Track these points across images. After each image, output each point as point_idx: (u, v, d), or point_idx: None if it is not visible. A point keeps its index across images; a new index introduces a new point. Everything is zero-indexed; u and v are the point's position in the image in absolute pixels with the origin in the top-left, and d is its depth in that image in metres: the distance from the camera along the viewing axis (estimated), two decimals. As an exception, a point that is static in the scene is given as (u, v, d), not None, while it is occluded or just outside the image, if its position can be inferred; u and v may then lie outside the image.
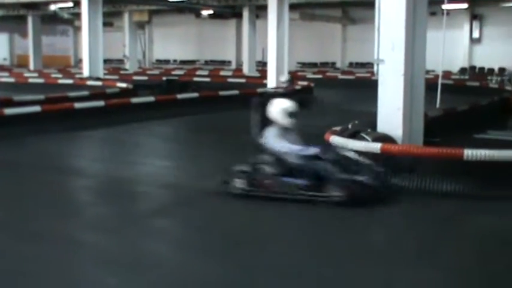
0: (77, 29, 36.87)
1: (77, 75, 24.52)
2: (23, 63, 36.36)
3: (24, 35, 35.28)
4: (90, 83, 20.79)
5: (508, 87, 20.65)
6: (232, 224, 6.29)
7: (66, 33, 42.60)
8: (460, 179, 7.34)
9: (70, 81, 22.36)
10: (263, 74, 23.34)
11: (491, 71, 28.30)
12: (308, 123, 14.38)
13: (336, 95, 22.82)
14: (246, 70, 28.50)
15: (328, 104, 19.89)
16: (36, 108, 12.62)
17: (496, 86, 22.37)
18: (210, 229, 6.10)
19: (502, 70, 27.80)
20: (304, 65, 34.30)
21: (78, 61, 37.45)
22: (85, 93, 16.41)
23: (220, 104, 16.75)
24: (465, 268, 4.99)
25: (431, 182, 7.39)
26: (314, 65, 34.47)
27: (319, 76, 28.28)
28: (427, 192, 7.33)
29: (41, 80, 23.79)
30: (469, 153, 7.27)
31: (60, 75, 26.59)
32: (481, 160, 7.24)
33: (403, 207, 7.10)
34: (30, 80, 24.07)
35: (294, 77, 20.88)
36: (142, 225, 6.23)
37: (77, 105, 13.51)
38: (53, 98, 14.94)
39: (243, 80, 24.79)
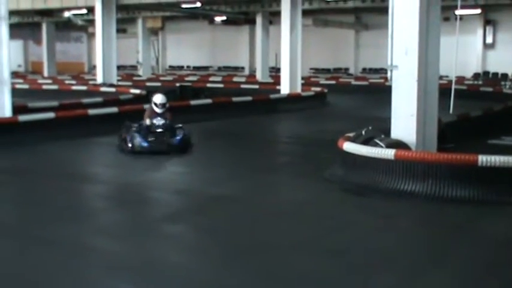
0: (91, 36, 37.17)
1: (91, 82, 24.65)
2: (37, 69, 36.66)
3: (38, 41, 35.60)
4: (103, 89, 20.89)
5: (522, 93, 20.53)
6: (246, 228, 6.28)
7: (80, 40, 42.88)
8: (475, 185, 7.30)
9: (84, 87, 22.48)
10: (276, 80, 23.34)
11: (505, 76, 28.13)
12: (322, 129, 14.44)
13: (350, 100, 22.79)
14: (259, 76, 28.51)
15: (342, 110, 19.88)
16: (50, 115, 12.68)
17: (510, 91, 22.25)
18: (221, 234, 6.10)
19: (515, 75, 27.59)
20: (317, 70, 34.29)
21: (92, 67, 37.65)
22: (99, 99, 16.49)
23: (234, 110, 16.77)
24: (477, 276, 4.95)
25: (445, 188, 7.35)
26: (327, 70, 34.44)
27: (333, 82, 28.25)
28: (441, 198, 7.30)
29: (54, 87, 23.93)
30: (483, 159, 7.23)
31: (74, 82, 26.76)
32: (496, 166, 7.20)
33: (414, 212, 7.08)
34: (44, 87, 24.22)
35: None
36: (155, 231, 6.24)
37: (91, 111, 13.57)
38: (67, 105, 15.04)
39: (256, 86, 24.81)
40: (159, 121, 10.88)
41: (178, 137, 10.79)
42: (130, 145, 10.54)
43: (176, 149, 10.60)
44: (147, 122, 10.82)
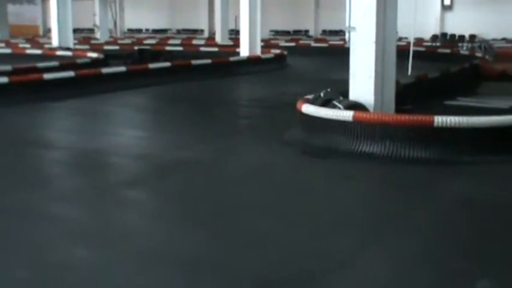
0: (45, -2, 36.30)
1: (46, 45, 24.13)
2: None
3: (-11, 3, 34.59)
4: (59, 53, 20.49)
5: (478, 54, 20.81)
6: (207, 192, 6.28)
7: (34, 2, 41.85)
8: (431, 145, 7.41)
9: (39, 51, 22.00)
10: (236, 43, 23.20)
11: (462, 38, 28.46)
12: (281, 91, 14.44)
13: (309, 62, 22.83)
14: (218, 39, 28.28)
15: (302, 72, 19.90)
16: (4, 80, 12.37)
17: (467, 52, 22.53)
18: (183, 198, 6.09)
19: (472, 37, 27.95)
20: (277, 33, 34.18)
21: (47, 31, 36.85)
22: (55, 63, 16.17)
23: (193, 73, 16.65)
24: (433, 234, 5.05)
25: (403, 149, 7.45)
26: (287, 33, 34.36)
27: (293, 44, 28.20)
28: (399, 159, 7.40)
29: (8, 50, 23.38)
30: (439, 120, 7.33)
31: (28, 45, 26.16)
32: (451, 126, 7.31)
33: (373, 174, 7.17)
34: (-3, 51, 23.67)
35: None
36: (115, 197, 6.19)
37: (46, 76, 13.29)
38: (21, 69, 14.70)
39: (215, 49, 24.62)
40: None
41: None
42: None
43: None
44: None
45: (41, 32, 41.21)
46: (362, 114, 7.83)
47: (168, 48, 25.59)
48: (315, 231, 5.13)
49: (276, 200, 6.06)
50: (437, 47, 25.50)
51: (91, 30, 34.15)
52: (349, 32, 8.87)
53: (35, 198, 6.06)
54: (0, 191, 6.33)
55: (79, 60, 17.48)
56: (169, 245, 4.80)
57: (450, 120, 7.32)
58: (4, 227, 5.21)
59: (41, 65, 15.62)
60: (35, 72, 14.00)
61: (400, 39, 10.27)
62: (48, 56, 19.90)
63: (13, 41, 29.62)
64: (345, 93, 8.91)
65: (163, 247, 4.75)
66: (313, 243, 4.83)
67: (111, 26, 36.24)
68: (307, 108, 8.36)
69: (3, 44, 26.80)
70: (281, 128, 9.23)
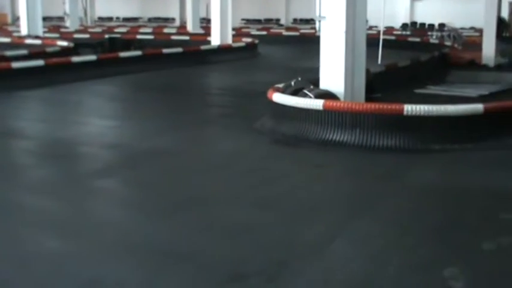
0: (14, -15, 35.73)
1: (15, 34, 23.79)
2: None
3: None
4: (28, 41, 20.23)
5: (447, 43, 21.03)
6: (178, 182, 6.28)
7: (2, -10, 41.18)
8: (401, 134, 7.49)
9: (7, 39, 21.67)
10: (207, 31, 23.12)
11: (431, 26, 28.72)
12: (252, 80, 14.46)
13: (281, 51, 22.86)
14: (190, 27, 28.14)
15: (273, 61, 19.92)
16: (-29, 68, 12.22)
17: (436, 41, 22.76)
18: (154, 188, 6.08)
19: (442, 26, 28.21)
20: (248, 21, 34.14)
21: (16, 19, 36.29)
22: (23, 52, 15.96)
23: (164, 62, 16.60)
24: (402, 222, 5.12)
25: (373, 137, 7.52)
26: (258, 21, 34.34)
27: (264, 33, 28.21)
28: (369, 147, 7.47)
29: (-24, 39, 22.99)
30: (409, 108, 7.42)
31: (-4, 34, 25.77)
32: (421, 115, 7.40)
33: (343, 162, 7.23)
34: (-36, 39, 23.25)
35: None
36: (84, 187, 6.15)
37: (15, 64, 13.13)
38: (-11, 58, 14.49)
39: (187, 38, 24.52)
40: None
41: None
42: None
43: None
44: None
45: (9, 20, 40.59)
46: (332, 103, 7.88)
47: (139, 36, 25.41)
48: (286, 220, 5.16)
49: (247, 189, 6.08)
50: (407, 36, 25.70)
51: (61, 19, 33.72)
52: (319, 22, 8.90)
53: (4, 189, 6.01)
54: (-32, 181, 6.25)
55: (48, 49, 17.27)
56: (139, 235, 4.79)
57: (420, 108, 7.41)
58: (-28, 218, 5.16)
59: (9, 53, 15.41)
60: (3, 61, 13.80)
61: (370, 28, 10.33)
62: (17, 44, 19.63)
63: (-20, 29, 29.18)
64: (316, 82, 8.95)
65: (134, 237, 4.73)
66: (284, 232, 4.86)
67: (81, 14, 35.83)
68: (278, 97, 8.39)
69: (-30, 32, 26.39)
70: (252, 116, 9.25)
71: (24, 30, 21.80)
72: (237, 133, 8.61)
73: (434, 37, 25.04)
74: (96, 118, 10.05)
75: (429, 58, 15.30)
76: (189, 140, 8.35)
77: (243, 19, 33.59)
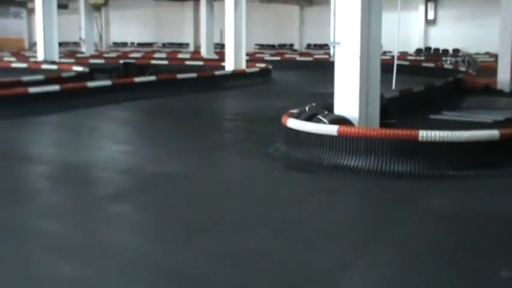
0: (31, 11, 36.21)
1: (32, 59, 24.05)
2: (-26, 46, 35.53)
3: (-26, 17, 34.47)
4: (45, 66, 20.43)
5: (462, 68, 21.00)
6: (191, 207, 6.27)
7: (20, 15, 41.72)
8: (416, 160, 7.44)
9: (24, 65, 21.93)
10: (221, 57, 23.25)
11: (445, 52, 28.72)
12: (266, 105, 14.48)
13: (294, 76, 22.92)
14: (204, 52, 28.33)
15: (287, 86, 19.96)
16: (-11, 93, 12.33)
17: (450, 66, 22.73)
18: (166, 213, 6.07)
19: (456, 51, 28.21)
20: (262, 46, 34.31)
21: (33, 44, 36.74)
22: (40, 77, 16.11)
23: (178, 87, 16.66)
24: (416, 248, 5.07)
25: (387, 163, 7.48)
26: (272, 46, 34.50)
27: (277, 58, 28.31)
28: (383, 173, 7.42)
29: (-7, 64, 23.27)
30: (423, 134, 7.38)
31: (13, 59, 26.06)
32: (436, 141, 7.36)
33: (357, 188, 7.19)
34: (-18, 64, 23.54)
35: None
36: (98, 211, 6.16)
37: (32, 89, 13.24)
38: (6, 83, 14.62)
39: (201, 63, 24.66)
40: None
41: None
42: None
43: None
44: None
45: (26, 46, 41.07)
46: (347, 129, 7.87)
47: (153, 61, 25.61)
48: (298, 245, 5.13)
49: (260, 214, 6.06)
50: (421, 61, 25.71)
51: (76, 44, 34.07)
52: (334, 47, 8.92)
53: (19, 213, 6.02)
54: (-17, 205, 6.27)
55: (64, 74, 17.43)
56: (151, 259, 4.78)
57: (435, 134, 7.37)
58: (-13, 242, 5.17)
59: (26, 78, 15.55)
60: (20, 86, 13.94)
61: (384, 53, 10.36)
62: (34, 69, 19.82)
63: (-2, 54, 29.52)
64: (330, 107, 8.95)
65: (147, 261, 4.72)
66: (297, 258, 4.83)
67: (96, 39, 36.21)
68: (292, 123, 8.39)
69: (-13, 58, 26.70)
70: (266, 142, 9.25)
71: (40, 56, 22.03)
72: (250, 158, 8.61)
73: (448, 62, 25.02)
74: (111, 143, 10.09)
75: (444, 83, 15.27)
76: (202, 165, 8.35)
77: (256, 44, 33.76)
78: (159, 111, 13.94)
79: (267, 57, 27.98)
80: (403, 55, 24.44)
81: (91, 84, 15.14)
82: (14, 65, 22.52)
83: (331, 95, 9.06)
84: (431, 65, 23.62)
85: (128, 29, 39.12)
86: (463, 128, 7.94)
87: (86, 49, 31.56)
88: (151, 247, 5.11)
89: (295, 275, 4.47)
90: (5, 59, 26.47)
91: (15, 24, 41.70)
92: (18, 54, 30.63)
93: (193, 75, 18.04)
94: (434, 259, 4.80)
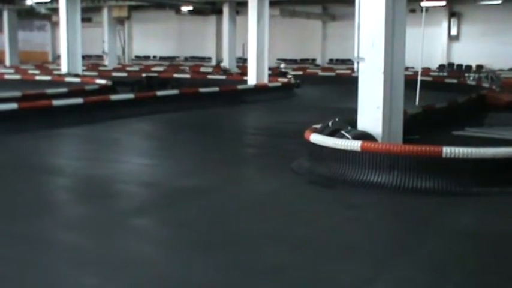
0: (55, 25, 36.75)
1: (55, 72, 24.31)
2: (-1, 59, 35.96)
3: (-1, 30, 34.91)
4: (68, 79, 20.63)
5: (485, 84, 20.85)
6: (213, 221, 6.26)
7: (44, 29, 42.27)
8: (439, 176, 7.38)
9: (48, 77, 22.15)
10: (243, 71, 23.32)
11: (469, 68, 28.55)
12: (288, 120, 14.47)
13: (316, 91, 22.89)
14: (226, 66, 28.41)
15: (309, 101, 19.94)
16: (13, 106, 12.44)
17: (473, 83, 22.57)
18: (189, 227, 6.07)
19: (479, 67, 28.03)
20: (284, 61, 34.33)
21: (56, 57, 37.14)
22: (63, 90, 16.27)
23: (201, 101, 16.71)
24: (440, 267, 5.01)
25: (411, 179, 7.43)
26: (294, 61, 34.52)
27: (300, 73, 28.31)
28: (406, 189, 7.37)
29: (17, 77, 23.52)
30: (447, 150, 7.32)
31: (37, 72, 26.35)
32: (459, 157, 7.30)
33: (380, 204, 7.14)
34: (7, 77, 23.77)
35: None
36: (122, 225, 6.17)
37: (55, 102, 13.37)
38: (30, 95, 14.79)
39: (223, 77, 24.73)
40: None
41: None
42: None
43: None
44: None
45: (50, 58, 41.53)
46: (370, 144, 7.83)
47: (175, 75, 25.76)
48: (322, 260, 5.10)
49: (283, 229, 6.04)
50: (445, 77, 25.56)
51: (99, 57, 34.37)
52: (358, 63, 8.91)
53: (43, 226, 6.05)
54: (8, 217, 6.32)
55: (87, 87, 17.58)
56: (177, 273, 4.78)
57: (458, 151, 7.31)
58: (12, 254, 5.19)
59: (49, 91, 15.71)
60: (44, 99, 14.09)
61: (407, 68, 10.30)
62: (57, 82, 20.03)
63: (23, 67, 29.83)
64: (353, 123, 8.92)
65: (171, 276, 4.73)
66: (319, 273, 4.80)
67: (119, 52, 36.51)
68: (315, 138, 8.36)
69: (13, 70, 26.99)
70: (288, 157, 9.23)
71: (64, 69, 22.25)
72: (273, 173, 8.59)
73: (471, 78, 24.86)
74: (134, 156, 10.13)
75: (467, 100, 15.16)
76: (224, 179, 8.35)
77: (279, 59, 33.83)
78: (182, 125, 13.98)
79: (289, 72, 27.97)
80: (425, 71, 24.31)
81: (114, 97, 15.24)
82: (37, 77, 22.76)
83: (353, 111, 9.03)
84: (455, 81, 23.47)
85: (150, 43, 39.41)
86: (486, 145, 7.87)
87: (108, 62, 31.82)
88: (173, 261, 5.11)
89: (318, 291, 4.44)
90: (30, 71, 26.75)
91: (39, 37, 42.21)
92: (42, 67, 30.96)
93: (216, 89, 18.09)
94: (458, 277, 4.74)
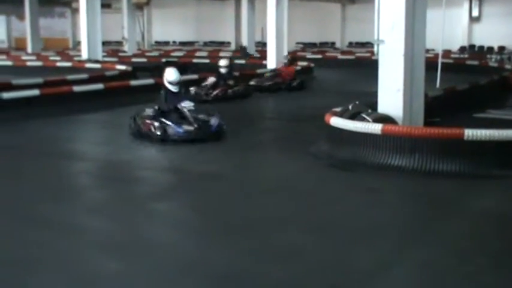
0: (75, 11, 36.79)
1: (76, 58, 24.41)
2: (20, 46, 36.18)
3: (21, 17, 35.07)
4: (89, 65, 20.69)
5: (507, 66, 20.60)
6: (233, 205, 6.29)
7: (64, 15, 42.39)
8: (461, 159, 7.34)
9: (69, 64, 22.25)
10: (263, 55, 23.25)
11: (490, 49, 28.21)
12: (308, 104, 14.43)
13: (336, 75, 22.76)
14: (250, 52, 28.32)
15: (328, 84, 19.85)
16: (35, 92, 12.56)
17: (495, 64, 22.31)
18: (209, 211, 6.11)
19: (501, 49, 27.70)
20: (303, 45, 34.19)
21: (77, 43, 37.29)
22: (84, 76, 16.33)
23: (220, 86, 16.64)
24: (461, 249, 5.00)
25: (432, 162, 7.39)
26: (313, 45, 34.36)
27: (319, 56, 28.16)
28: (428, 172, 7.33)
29: (39, 63, 23.65)
30: (469, 133, 7.26)
31: (58, 58, 26.47)
32: (481, 140, 7.24)
33: (401, 187, 7.12)
34: (29, 63, 23.91)
35: (292, 58, 20.70)
36: (143, 209, 6.23)
37: (76, 88, 13.46)
38: (52, 81, 14.87)
39: (242, 61, 24.68)
40: (188, 104, 9.65)
41: (214, 123, 9.57)
42: (159, 133, 9.39)
43: (213, 137, 9.43)
44: (170, 106, 9.74)
45: (70, 45, 41.71)
46: (391, 127, 7.79)
47: (195, 60, 25.73)
48: (339, 244, 5.12)
49: (302, 212, 6.06)
50: (466, 59, 25.30)
51: (119, 43, 34.44)
52: (378, 45, 8.84)
53: (66, 210, 6.14)
54: (32, 202, 6.40)
55: (108, 73, 17.64)
56: (197, 257, 4.82)
57: (480, 133, 7.25)
58: (37, 238, 5.27)
59: (70, 77, 15.80)
60: (65, 85, 14.17)
61: (427, 51, 10.19)
62: (78, 68, 20.12)
63: (44, 53, 29.99)
64: (373, 106, 8.88)
65: (193, 259, 4.77)
66: (339, 256, 4.82)
67: (139, 38, 36.55)
68: (336, 121, 8.34)
69: (34, 57, 27.15)
70: (308, 141, 9.22)
71: (84, 55, 22.32)
72: (292, 157, 8.59)
73: (493, 60, 24.57)
74: (154, 143, 10.16)
75: (488, 82, 15.00)
76: (244, 163, 8.37)
77: (298, 42, 33.66)
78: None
79: (309, 56, 27.85)
80: (446, 53, 24.05)
81: (134, 82, 15.29)
82: (58, 64, 22.87)
83: (374, 94, 8.99)
84: (476, 62, 23.23)
85: (169, 28, 39.41)
86: (508, 127, 7.78)
87: (128, 48, 31.84)
88: (193, 245, 5.16)
89: (336, 273, 4.46)
90: (51, 58, 26.89)
91: (60, 24, 42.37)
92: (63, 54, 31.10)
93: (235, 73, 18.03)
94: (480, 259, 4.72)
